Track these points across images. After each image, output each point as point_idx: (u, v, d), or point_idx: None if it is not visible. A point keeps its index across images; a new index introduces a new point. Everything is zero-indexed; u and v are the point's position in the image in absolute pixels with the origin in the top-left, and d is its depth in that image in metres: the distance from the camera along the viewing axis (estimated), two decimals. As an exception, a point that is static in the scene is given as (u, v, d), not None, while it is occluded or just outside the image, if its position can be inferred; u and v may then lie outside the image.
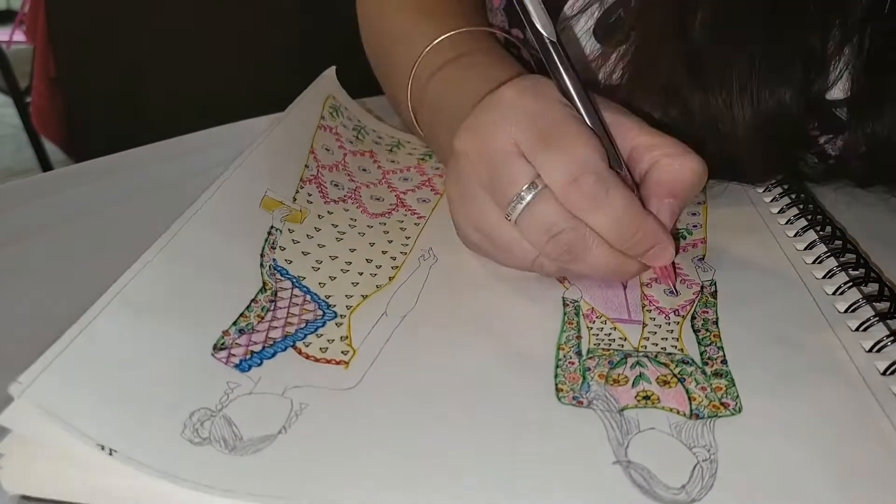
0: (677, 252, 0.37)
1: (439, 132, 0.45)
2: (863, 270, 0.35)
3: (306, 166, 0.45)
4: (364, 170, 0.48)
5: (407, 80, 0.46)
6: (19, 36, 1.83)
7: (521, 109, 0.34)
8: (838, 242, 0.38)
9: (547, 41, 0.34)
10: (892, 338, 0.31)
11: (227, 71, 1.18)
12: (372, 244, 0.39)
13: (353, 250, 0.39)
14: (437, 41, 0.44)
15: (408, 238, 0.40)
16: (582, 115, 0.34)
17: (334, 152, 0.48)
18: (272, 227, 0.38)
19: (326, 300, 0.34)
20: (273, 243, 0.37)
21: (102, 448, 0.24)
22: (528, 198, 0.33)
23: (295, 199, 0.42)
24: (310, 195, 0.43)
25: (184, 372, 0.28)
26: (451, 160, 0.36)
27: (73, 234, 0.42)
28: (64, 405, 0.25)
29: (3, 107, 2.24)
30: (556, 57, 0.34)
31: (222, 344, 0.30)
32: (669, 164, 0.35)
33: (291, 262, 0.36)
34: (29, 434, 0.24)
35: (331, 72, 0.55)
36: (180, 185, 0.47)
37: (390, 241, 0.40)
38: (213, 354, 0.29)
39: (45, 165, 1.91)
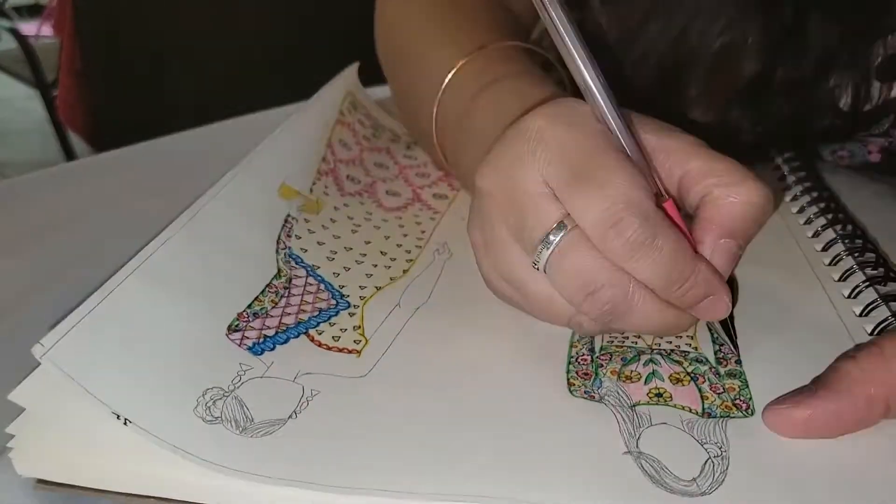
0: (735, 304, 0.32)
1: (463, 158, 0.40)
2: (882, 269, 0.35)
3: (324, 159, 0.45)
4: (381, 165, 0.48)
5: (430, 112, 0.42)
6: (46, 30, 1.85)
7: (552, 141, 0.29)
8: (858, 241, 0.37)
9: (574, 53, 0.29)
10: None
11: (254, 63, 1.19)
12: (387, 237, 0.40)
13: (367, 242, 0.39)
14: (454, 70, 0.40)
15: (423, 232, 0.41)
16: (621, 143, 0.29)
17: (351, 147, 0.48)
18: (289, 215, 0.39)
19: (340, 290, 0.34)
20: (289, 231, 0.37)
21: (118, 417, 0.24)
22: (556, 241, 0.28)
23: (311, 191, 0.42)
24: (326, 187, 0.43)
25: (198, 349, 0.29)
26: (474, 199, 0.32)
27: (98, 221, 0.42)
28: (83, 370, 0.25)
29: (29, 100, 2.27)
30: (587, 76, 0.29)
31: (236, 326, 0.31)
32: (724, 196, 0.29)
33: (307, 250, 0.37)
34: (45, 405, 0.25)
35: (353, 68, 0.55)
36: (200, 175, 0.47)
37: (405, 235, 0.40)
38: (227, 335, 0.30)
39: (71, 158, 1.93)
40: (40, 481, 0.25)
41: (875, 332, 0.31)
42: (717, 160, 0.30)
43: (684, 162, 0.30)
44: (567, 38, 0.29)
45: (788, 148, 0.48)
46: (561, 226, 0.28)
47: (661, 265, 0.28)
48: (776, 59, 0.42)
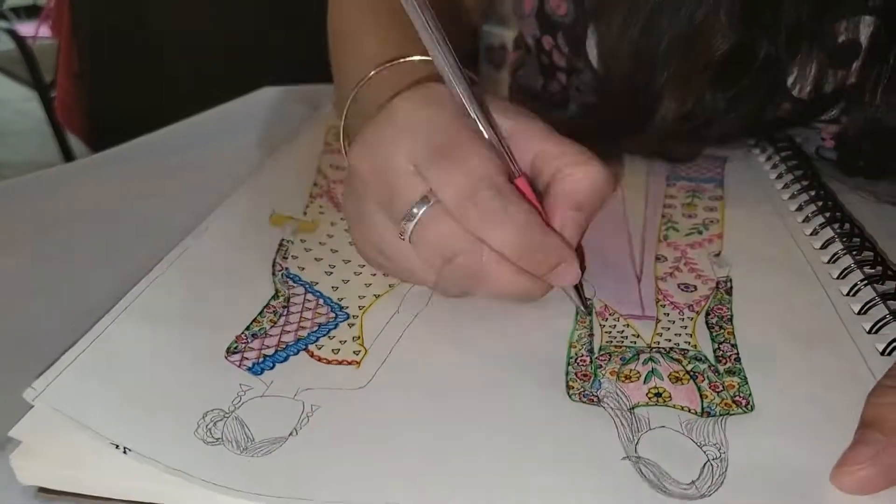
0: (583, 271, 0.34)
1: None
2: (880, 268, 0.35)
3: (315, 184, 0.46)
4: None
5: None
6: (44, 31, 1.85)
7: (416, 122, 0.32)
8: (856, 240, 0.37)
9: (438, 49, 0.31)
10: (906, 337, 0.30)
11: (254, 66, 1.19)
12: None
13: None
14: (366, 79, 0.40)
15: None
16: (477, 124, 0.32)
17: (345, 168, 0.48)
18: (283, 239, 0.39)
19: (339, 303, 0.34)
20: (285, 254, 0.38)
21: (117, 447, 0.25)
22: (419, 213, 0.31)
23: (305, 213, 0.42)
24: (321, 207, 0.43)
25: (197, 374, 0.29)
26: (347, 176, 0.35)
27: (97, 221, 0.42)
28: (78, 407, 0.25)
29: (27, 101, 2.27)
30: (446, 66, 0.31)
31: (235, 348, 0.31)
32: (572, 173, 0.33)
33: (304, 269, 0.37)
34: (43, 438, 0.25)
35: (328, 109, 0.56)
36: (200, 167, 0.47)
37: None
38: (226, 357, 0.30)
39: (69, 159, 1.93)
40: (42, 489, 0.25)
41: (873, 331, 0.31)
42: (566, 143, 0.33)
43: (537, 144, 0.33)
44: (425, 27, 0.31)
45: (750, 135, 0.48)
46: (424, 200, 0.31)
47: (513, 233, 0.30)
48: (751, 32, 0.43)
